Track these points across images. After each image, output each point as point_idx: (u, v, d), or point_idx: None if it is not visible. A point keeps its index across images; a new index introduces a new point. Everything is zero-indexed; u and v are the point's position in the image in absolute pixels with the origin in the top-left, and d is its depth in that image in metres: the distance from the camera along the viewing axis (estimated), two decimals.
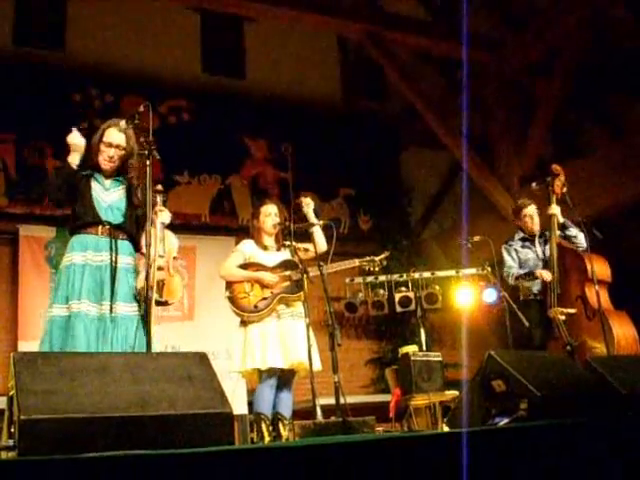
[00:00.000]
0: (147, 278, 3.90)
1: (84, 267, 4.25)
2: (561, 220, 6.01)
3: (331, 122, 11.05)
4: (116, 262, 4.29)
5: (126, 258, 4.37)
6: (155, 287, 4.28)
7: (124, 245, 4.40)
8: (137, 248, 4.48)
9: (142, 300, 4.37)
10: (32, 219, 8.67)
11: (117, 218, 4.41)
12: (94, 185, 4.42)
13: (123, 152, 4.44)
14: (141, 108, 4.26)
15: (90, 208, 4.36)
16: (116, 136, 4.41)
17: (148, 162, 4.09)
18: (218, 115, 10.06)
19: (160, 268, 4.42)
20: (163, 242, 4.52)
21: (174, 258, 4.68)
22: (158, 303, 4.40)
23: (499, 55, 9.95)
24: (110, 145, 4.40)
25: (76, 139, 4.42)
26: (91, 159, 4.47)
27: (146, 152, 4.14)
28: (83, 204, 4.36)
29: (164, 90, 9.76)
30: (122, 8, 9.63)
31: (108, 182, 4.48)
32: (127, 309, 4.28)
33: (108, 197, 4.44)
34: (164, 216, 4.57)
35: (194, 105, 10.01)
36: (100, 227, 4.35)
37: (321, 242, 5.25)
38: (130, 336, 4.19)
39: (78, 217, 4.37)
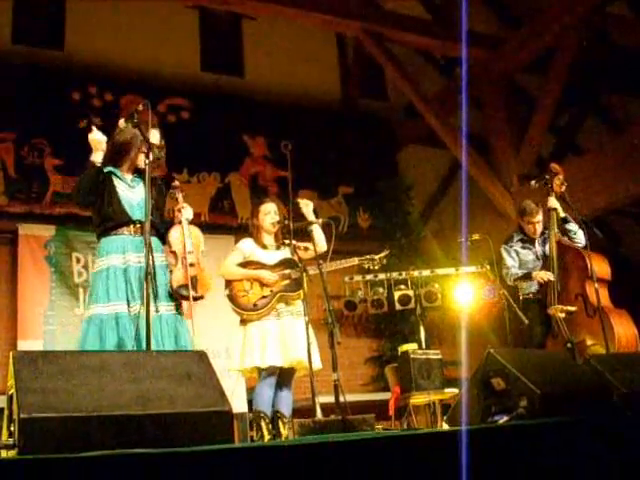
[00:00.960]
0: (146, 276, 3.90)
1: (126, 269, 4.26)
2: (562, 215, 5.98)
3: (330, 120, 11.05)
4: (153, 262, 4.29)
5: (160, 256, 4.40)
6: (190, 284, 4.33)
7: (156, 242, 4.41)
8: (163, 242, 4.51)
9: (176, 296, 4.41)
10: (31, 218, 8.65)
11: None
12: (117, 183, 4.42)
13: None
14: (140, 107, 4.26)
15: (120, 208, 4.36)
16: (155, 136, 4.43)
17: (147, 161, 4.09)
18: (217, 113, 10.05)
19: (192, 264, 4.46)
20: (190, 238, 4.56)
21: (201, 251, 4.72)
22: (195, 299, 4.44)
23: (498, 53, 9.95)
24: (153, 145, 4.40)
25: (100, 136, 4.41)
26: (119, 156, 4.46)
27: (145, 151, 4.15)
28: (112, 204, 4.35)
29: (163, 88, 9.75)
30: (121, 6, 9.63)
31: (129, 179, 4.49)
32: (170, 308, 4.33)
33: (134, 195, 4.45)
34: (187, 212, 4.60)
35: (193, 103, 10.00)
36: (132, 227, 4.36)
37: (321, 242, 5.24)
38: (180, 336, 4.21)
39: (108, 218, 4.36)
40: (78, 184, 4.45)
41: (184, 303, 4.47)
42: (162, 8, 9.85)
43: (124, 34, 9.73)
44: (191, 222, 4.75)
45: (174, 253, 4.53)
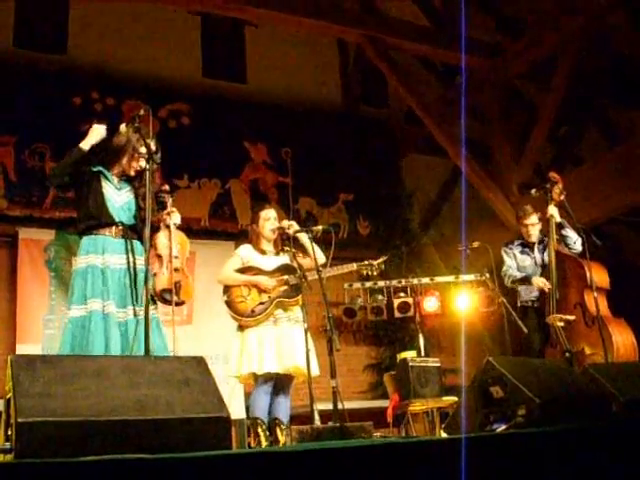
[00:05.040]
0: (146, 281, 3.90)
1: (104, 270, 4.26)
2: (558, 220, 6.00)
3: (331, 127, 11.05)
4: (134, 264, 4.30)
5: (140, 259, 4.38)
6: (173, 288, 4.32)
7: (137, 246, 4.42)
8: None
9: (159, 300, 4.41)
10: (31, 222, 8.65)
11: (130, 219, 4.44)
12: (105, 184, 4.45)
13: None
14: (141, 112, 4.27)
15: (104, 208, 4.38)
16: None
17: (148, 166, 4.11)
18: (218, 119, 10.06)
19: (176, 269, 4.46)
20: (177, 243, 4.56)
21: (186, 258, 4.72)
22: (177, 304, 4.44)
23: (498, 61, 9.96)
24: (142, 154, 4.42)
25: (103, 131, 4.46)
26: (110, 159, 4.50)
27: (146, 156, 4.16)
28: (96, 203, 4.38)
29: (164, 94, 9.76)
30: (124, 12, 9.64)
31: (117, 182, 4.51)
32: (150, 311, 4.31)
33: (120, 197, 4.48)
34: (176, 217, 4.60)
35: (194, 109, 10.00)
36: (114, 228, 4.37)
37: (319, 255, 5.20)
38: (156, 338, 4.20)
39: (91, 217, 4.38)
40: (60, 163, 4.49)
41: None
42: (164, 14, 9.86)
43: (126, 39, 9.75)
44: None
45: (160, 257, 4.52)
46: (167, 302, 4.46)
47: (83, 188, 4.41)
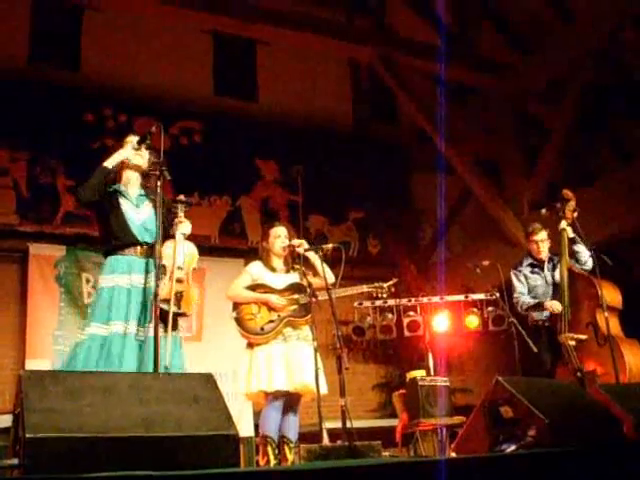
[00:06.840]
0: (155, 297, 3.90)
1: (130, 290, 4.29)
2: (571, 235, 5.97)
3: (342, 145, 11.06)
4: (146, 283, 4.34)
5: (150, 277, 4.37)
6: (173, 299, 4.30)
7: (151, 264, 4.40)
8: None
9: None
10: (42, 238, 8.68)
11: (152, 236, 4.42)
12: (123, 202, 4.48)
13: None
14: (153, 129, 4.30)
15: (126, 227, 4.41)
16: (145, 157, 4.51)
17: (159, 182, 4.12)
18: (229, 137, 10.09)
19: (179, 280, 4.44)
20: (183, 254, 4.53)
21: (193, 269, 4.68)
22: (178, 315, 4.41)
23: (509, 79, 9.97)
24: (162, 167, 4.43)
25: (131, 152, 4.54)
26: (119, 174, 4.54)
27: (157, 172, 4.18)
28: (118, 223, 4.41)
29: (176, 111, 9.81)
30: (136, 30, 9.72)
31: (135, 198, 4.53)
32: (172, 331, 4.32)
33: (139, 215, 4.49)
34: (184, 227, 4.58)
35: (205, 126, 10.05)
36: (139, 248, 4.40)
37: (329, 274, 5.17)
38: (174, 358, 4.20)
39: (115, 237, 4.41)
40: (88, 181, 4.49)
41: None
42: (176, 32, 9.92)
43: (139, 57, 9.81)
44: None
45: (163, 267, 4.50)
46: (167, 312, 4.42)
47: (104, 207, 4.44)
